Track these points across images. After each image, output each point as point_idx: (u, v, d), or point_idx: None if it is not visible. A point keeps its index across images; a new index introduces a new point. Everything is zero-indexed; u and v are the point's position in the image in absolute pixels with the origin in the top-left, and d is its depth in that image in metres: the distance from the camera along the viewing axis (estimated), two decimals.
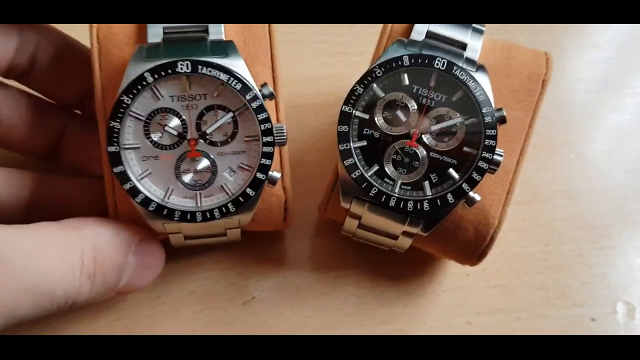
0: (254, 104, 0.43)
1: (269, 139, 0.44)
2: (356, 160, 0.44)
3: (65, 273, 0.37)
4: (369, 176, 0.44)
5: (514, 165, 0.47)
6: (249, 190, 0.44)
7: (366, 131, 0.45)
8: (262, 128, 0.43)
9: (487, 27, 0.47)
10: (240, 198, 0.44)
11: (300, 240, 0.54)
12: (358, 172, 0.44)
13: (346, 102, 0.45)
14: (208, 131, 0.44)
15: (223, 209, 0.44)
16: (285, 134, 0.44)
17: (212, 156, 0.44)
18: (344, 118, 0.45)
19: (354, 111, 0.45)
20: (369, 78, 0.45)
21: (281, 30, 0.49)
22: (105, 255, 0.41)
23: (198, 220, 0.43)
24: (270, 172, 0.44)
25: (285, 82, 0.49)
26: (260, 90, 0.43)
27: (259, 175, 0.44)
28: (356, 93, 0.45)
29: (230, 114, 0.44)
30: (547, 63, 0.48)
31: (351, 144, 0.45)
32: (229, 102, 0.44)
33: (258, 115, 0.43)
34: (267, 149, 0.44)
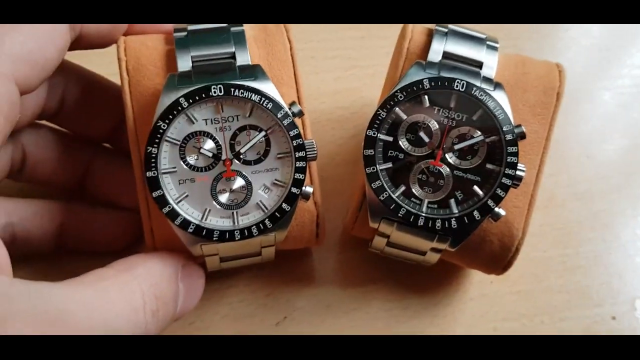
0: (285, 122, 0.45)
1: (302, 154, 0.45)
2: (383, 182, 0.46)
3: (129, 316, 0.38)
4: (397, 197, 0.46)
5: (534, 177, 0.48)
6: (284, 205, 0.45)
7: (391, 153, 0.46)
8: (294, 144, 0.45)
9: (496, 35, 0.48)
10: (276, 213, 0.45)
11: (326, 257, 0.56)
12: (386, 194, 0.46)
13: (370, 127, 0.46)
14: (242, 151, 0.45)
15: (260, 225, 0.45)
16: (315, 149, 0.45)
17: (246, 175, 0.45)
18: (369, 142, 0.46)
19: (378, 134, 0.46)
20: (391, 102, 0.46)
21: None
22: (162, 289, 0.42)
23: (237, 239, 0.44)
24: (302, 187, 0.45)
25: None
26: (289, 109, 0.45)
27: (294, 189, 0.45)
28: (380, 117, 0.46)
29: (263, 133, 0.45)
30: (560, 75, 0.50)
31: (377, 166, 0.46)
32: (261, 122, 0.45)
33: (289, 132, 0.45)
34: (300, 164, 0.45)
